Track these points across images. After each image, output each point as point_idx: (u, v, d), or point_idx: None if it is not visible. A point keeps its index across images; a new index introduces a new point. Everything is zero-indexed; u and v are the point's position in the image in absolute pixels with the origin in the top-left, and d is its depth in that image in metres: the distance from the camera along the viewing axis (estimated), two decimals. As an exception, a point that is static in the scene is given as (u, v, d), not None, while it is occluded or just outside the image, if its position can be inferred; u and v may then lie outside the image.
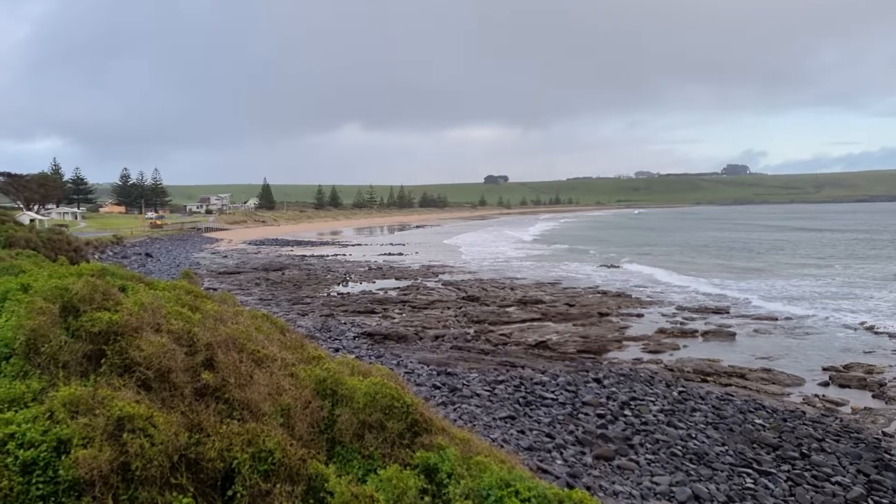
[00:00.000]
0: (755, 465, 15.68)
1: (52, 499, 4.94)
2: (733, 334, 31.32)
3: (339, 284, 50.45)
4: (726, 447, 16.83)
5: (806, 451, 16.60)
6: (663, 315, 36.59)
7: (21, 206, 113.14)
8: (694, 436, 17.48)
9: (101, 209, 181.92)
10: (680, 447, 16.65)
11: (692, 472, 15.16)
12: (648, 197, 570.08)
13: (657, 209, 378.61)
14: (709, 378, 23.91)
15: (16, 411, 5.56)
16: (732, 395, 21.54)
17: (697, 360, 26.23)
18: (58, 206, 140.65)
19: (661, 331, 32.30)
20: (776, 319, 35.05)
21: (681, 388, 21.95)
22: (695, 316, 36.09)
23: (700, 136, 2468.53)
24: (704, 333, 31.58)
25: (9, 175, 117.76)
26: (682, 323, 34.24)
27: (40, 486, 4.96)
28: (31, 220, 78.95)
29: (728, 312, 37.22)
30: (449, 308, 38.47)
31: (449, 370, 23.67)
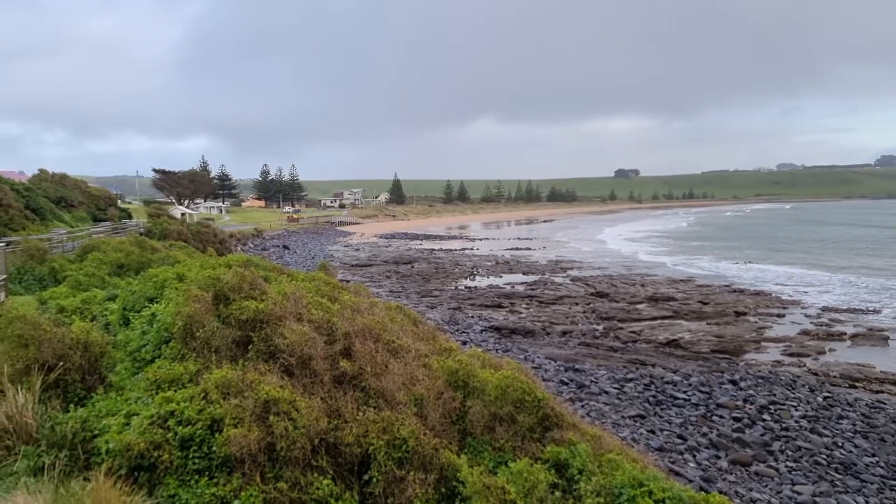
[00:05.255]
0: (911, 480, 14.56)
1: (207, 473, 5.34)
2: (886, 338, 29.07)
3: (466, 278, 51.02)
4: (877, 458, 15.71)
5: (971, 468, 15.24)
6: (806, 315, 34.51)
7: (173, 200, 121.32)
8: (840, 444, 16.44)
9: (242, 204, 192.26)
10: (825, 456, 15.72)
11: (838, 483, 14.28)
12: (791, 191, 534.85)
13: (788, 204, 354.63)
14: (858, 384, 22.33)
15: (175, 390, 6.06)
16: (884, 403, 20.02)
17: (845, 365, 24.55)
18: (205, 201, 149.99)
19: (805, 332, 30.48)
20: (937, 323, 32.26)
21: (826, 394, 20.64)
22: (842, 317, 33.78)
23: (855, 125, 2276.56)
24: (853, 336, 29.52)
25: (163, 172, 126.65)
26: (827, 324, 32.13)
27: (196, 460, 5.38)
28: (182, 214, 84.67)
29: (880, 313, 34.63)
30: (577, 304, 38.02)
31: (577, 366, 23.43)
